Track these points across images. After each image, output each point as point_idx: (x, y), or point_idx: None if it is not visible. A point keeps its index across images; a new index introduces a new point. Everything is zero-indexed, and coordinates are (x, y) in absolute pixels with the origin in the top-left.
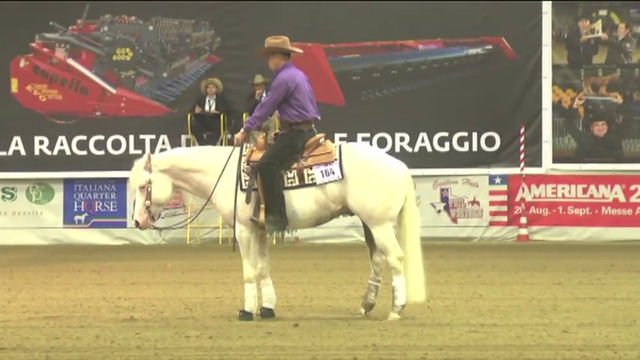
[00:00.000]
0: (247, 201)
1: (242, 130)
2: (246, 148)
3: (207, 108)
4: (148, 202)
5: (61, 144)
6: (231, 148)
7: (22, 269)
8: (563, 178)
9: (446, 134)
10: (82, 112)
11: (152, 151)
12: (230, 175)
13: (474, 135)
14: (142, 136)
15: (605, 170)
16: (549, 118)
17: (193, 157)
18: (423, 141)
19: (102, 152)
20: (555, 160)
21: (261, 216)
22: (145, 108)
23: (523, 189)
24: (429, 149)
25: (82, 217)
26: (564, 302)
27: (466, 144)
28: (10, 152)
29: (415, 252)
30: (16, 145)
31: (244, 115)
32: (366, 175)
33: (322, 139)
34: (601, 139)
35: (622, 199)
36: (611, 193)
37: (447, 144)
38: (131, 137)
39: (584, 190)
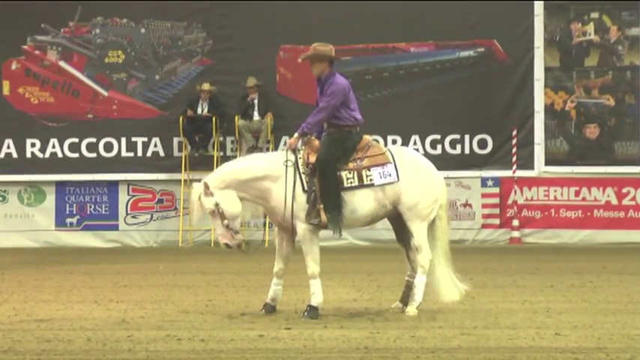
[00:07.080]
0: (307, 201)
1: (295, 134)
2: (300, 151)
3: (199, 110)
4: (226, 222)
5: (53, 146)
6: (281, 152)
7: (14, 272)
8: (555, 180)
9: (438, 137)
10: (73, 115)
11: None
12: (291, 177)
13: (466, 137)
14: (133, 139)
15: (598, 173)
16: (541, 120)
17: (251, 166)
18: (415, 143)
19: (94, 155)
20: (547, 162)
21: (323, 216)
22: (137, 110)
23: (515, 191)
24: (421, 152)
25: (74, 220)
26: (556, 305)
27: (458, 146)
28: (2, 155)
29: (446, 254)
30: (8, 147)
31: (236, 117)
32: (419, 178)
33: (371, 141)
34: (593, 141)
35: (614, 201)
36: (603, 195)
37: (439, 146)
38: (123, 140)
39: (577, 193)
